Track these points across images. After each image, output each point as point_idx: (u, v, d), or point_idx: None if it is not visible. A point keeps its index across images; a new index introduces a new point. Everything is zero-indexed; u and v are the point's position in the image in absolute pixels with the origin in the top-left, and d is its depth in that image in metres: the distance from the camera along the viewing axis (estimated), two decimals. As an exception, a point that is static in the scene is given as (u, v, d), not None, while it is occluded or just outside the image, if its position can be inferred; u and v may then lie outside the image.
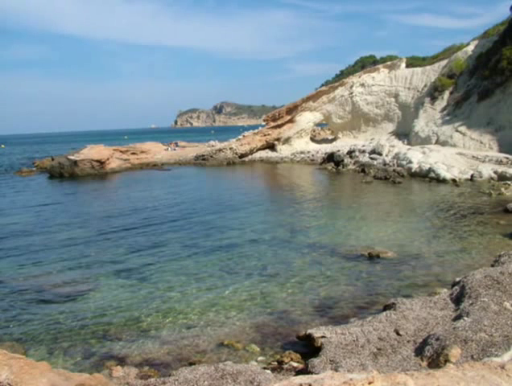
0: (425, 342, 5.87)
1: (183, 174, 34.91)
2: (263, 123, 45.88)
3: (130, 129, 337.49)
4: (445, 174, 24.12)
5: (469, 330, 5.78)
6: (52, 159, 39.69)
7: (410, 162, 27.22)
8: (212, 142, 49.63)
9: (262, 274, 10.95)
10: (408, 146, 32.37)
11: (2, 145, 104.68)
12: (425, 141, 32.33)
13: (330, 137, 48.33)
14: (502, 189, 20.29)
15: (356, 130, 43.29)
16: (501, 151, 26.94)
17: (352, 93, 41.95)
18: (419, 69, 39.81)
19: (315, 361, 5.92)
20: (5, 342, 7.85)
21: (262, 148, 42.93)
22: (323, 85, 66.25)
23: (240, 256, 12.57)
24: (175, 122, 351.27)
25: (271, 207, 20.23)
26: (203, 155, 41.73)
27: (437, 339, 5.71)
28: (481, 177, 23.37)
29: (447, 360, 5.27)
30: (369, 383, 3.07)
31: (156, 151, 44.90)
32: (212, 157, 41.16)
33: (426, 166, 25.53)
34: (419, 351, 5.81)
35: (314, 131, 52.43)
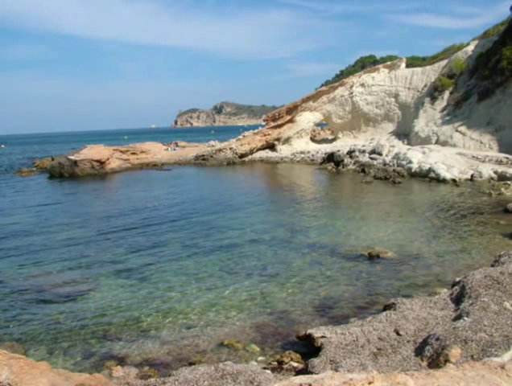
0: (425, 342, 5.87)
1: (183, 174, 34.90)
2: (263, 123, 45.88)
3: (130, 129, 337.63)
4: (445, 174, 24.12)
5: (469, 330, 5.78)
6: (52, 159, 39.71)
7: (410, 162, 27.22)
8: (212, 142, 49.59)
9: (262, 274, 10.95)
10: (408, 146, 32.38)
11: (2, 146, 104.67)
12: (425, 141, 32.33)
13: (330, 137, 48.32)
14: (502, 189, 20.29)
15: (356, 130, 43.30)
16: (501, 151, 26.96)
17: (352, 93, 41.95)
18: (419, 69, 39.81)
19: (315, 361, 5.91)
20: (5, 342, 7.85)
21: (262, 148, 42.93)
22: (323, 85, 66.37)
23: (240, 256, 12.57)
24: (175, 122, 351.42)
25: (271, 207, 20.22)
26: (203, 155, 41.74)
27: (437, 339, 5.71)
28: (481, 177, 23.37)
29: (447, 360, 5.27)
30: (369, 383, 3.07)
31: (156, 151, 44.91)
32: (212, 157, 41.15)
33: (426, 166, 25.53)
34: (419, 351, 5.81)
35: (314, 131, 52.41)
